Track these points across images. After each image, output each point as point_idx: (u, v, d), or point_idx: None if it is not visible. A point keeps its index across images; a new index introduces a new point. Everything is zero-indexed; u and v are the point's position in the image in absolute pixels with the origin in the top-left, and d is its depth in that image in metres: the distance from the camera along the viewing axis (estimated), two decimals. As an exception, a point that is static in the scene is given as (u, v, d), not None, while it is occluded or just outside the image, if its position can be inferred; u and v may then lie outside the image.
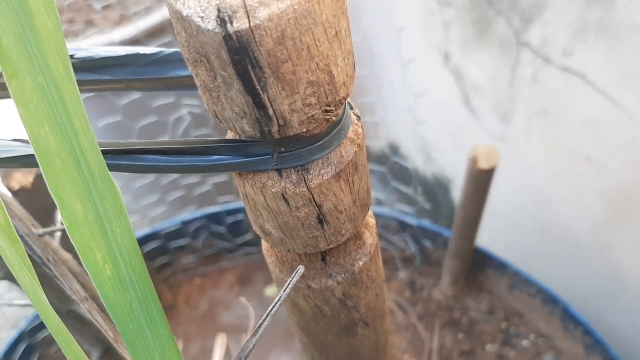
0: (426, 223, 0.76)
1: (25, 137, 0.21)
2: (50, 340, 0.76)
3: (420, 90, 0.91)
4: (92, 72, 0.20)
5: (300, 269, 0.21)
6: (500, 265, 0.74)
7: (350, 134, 0.19)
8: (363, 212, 0.21)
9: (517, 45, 0.74)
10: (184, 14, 0.14)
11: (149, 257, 0.79)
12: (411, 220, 0.76)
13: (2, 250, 0.16)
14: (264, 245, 0.23)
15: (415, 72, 0.98)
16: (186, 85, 0.18)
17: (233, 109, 0.16)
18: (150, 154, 0.18)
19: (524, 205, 0.88)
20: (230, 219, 0.78)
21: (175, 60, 0.18)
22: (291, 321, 0.26)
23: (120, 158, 0.17)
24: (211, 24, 0.14)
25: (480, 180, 0.59)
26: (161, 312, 0.20)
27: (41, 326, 0.74)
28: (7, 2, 0.14)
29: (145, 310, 0.19)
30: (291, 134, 0.16)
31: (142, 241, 0.76)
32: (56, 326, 0.18)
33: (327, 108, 0.16)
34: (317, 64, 0.15)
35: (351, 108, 0.20)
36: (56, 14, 0.15)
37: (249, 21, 0.14)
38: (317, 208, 0.19)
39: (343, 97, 0.17)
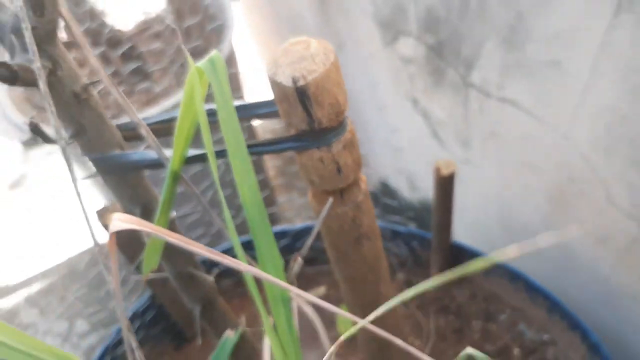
0: (413, 229, 0.96)
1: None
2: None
3: (396, 128, 1.12)
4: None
5: (330, 200, 0.42)
6: (474, 255, 0.94)
7: (348, 128, 0.40)
8: (358, 168, 0.42)
9: (464, 87, 0.95)
10: (278, 80, 0.36)
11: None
12: (401, 228, 0.96)
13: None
14: (310, 192, 0.44)
15: (392, 116, 1.20)
16: (274, 115, 0.39)
17: (297, 119, 0.37)
18: (257, 146, 0.39)
19: (490, 211, 1.08)
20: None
21: (269, 103, 0.39)
22: (326, 241, 0.46)
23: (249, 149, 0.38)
24: (289, 84, 0.35)
25: (445, 185, 0.79)
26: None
27: None
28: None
29: (262, 221, 0.40)
30: (323, 127, 0.37)
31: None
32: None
33: (338, 114, 0.37)
34: (332, 95, 0.36)
35: (346, 117, 0.41)
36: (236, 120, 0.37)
37: (305, 81, 0.35)
38: (337, 164, 0.40)
39: (344, 109, 0.38)
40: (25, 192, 1.71)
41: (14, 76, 0.34)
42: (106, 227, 0.77)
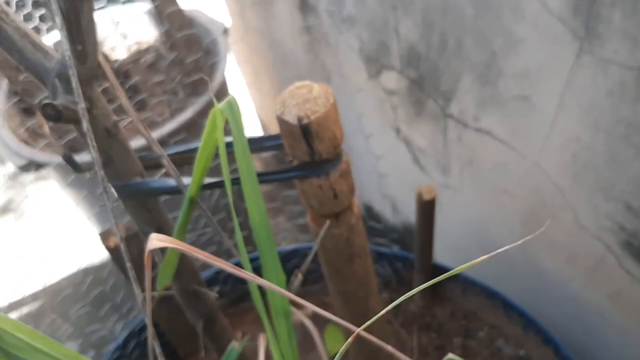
0: (396, 250, 1.02)
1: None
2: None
3: (380, 155, 1.19)
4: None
5: (327, 223, 0.48)
6: (455, 275, 1.00)
7: (343, 159, 0.46)
8: (352, 194, 0.47)
9: (444, 117, 1.01)
10: (285, 119, 0.42)
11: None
12: (386, 250, 1.02)
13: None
14: (309, 214, 0.50)
15: (377, 144, 1.27)
16: (280, 148, 0.45)
17: (300, 151, 0.43)
18: (266, 175, 0.45)
19: (469, 234, 1.14)
20: (253, 265, 1.02)
21: (275, 137, 0.45)
22: (321, 259, 0.52)
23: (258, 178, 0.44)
24: (295, 122, 0.41)
25: (427, 209, 0.85)
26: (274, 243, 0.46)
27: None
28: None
29: (269, 240, 0.45)
30: (323, 159, 0.43)
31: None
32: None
33: (335, 147, 0.43)
34: (331, 132, 0.42)
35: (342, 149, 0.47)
36: (250, 160, 0.43)
37: (308, 120, 0.41)
38: (333, 191, 0.45)
39: (341, 143, 0.44)
40: (18, 215, 1.74)
41: (58, 115, 0.40)
42: (109, 248, 0.81)
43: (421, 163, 1.15)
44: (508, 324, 0.97)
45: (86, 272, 1.35)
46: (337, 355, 0.39)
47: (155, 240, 0.34)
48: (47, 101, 0.40)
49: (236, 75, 1.88)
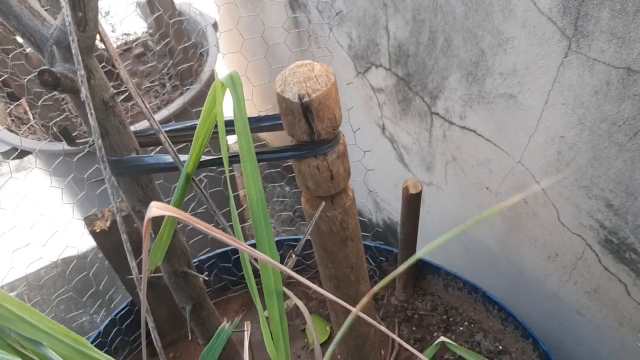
0: (380, 244, 1.03)
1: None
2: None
3: (366, 150, 1.19)
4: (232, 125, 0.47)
5: (322, 204, 0.48)
6: (436, 269, 1.01)
7: (341, 140, 0.46)
8: (348, 177, 0.48)
9: (430, 115, 1.02)
10: (285, 96, 0.42)
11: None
12: (369, 243, 1.03)
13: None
14: (304, 196, 0.50)
15: (363, 140, 1.28)
16: (278, 128, 0.45)
17: (300, 130, 0.43)
18: (264, 154, 0.45)
19: (450, 230, 1.15)
20: (235, 256, 1.03)
21: (274, 117, 0.45)
22: (315, 242, 0.52)
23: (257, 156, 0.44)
24: (295, 99, 0.42)
25: (412, 202, 0.86)
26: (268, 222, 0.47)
27: None
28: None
29: (264, 218, 0.45)
30: (322, 139, 0.44)
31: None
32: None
33: (334, 128, 0.44)
34: (331, 111, 0.43)
35: (340, 131, 0.47)
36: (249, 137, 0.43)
37: (309, 98, 0.41)
38: (330, 172, 0.46)
39: (339, 124, 0.44)
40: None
41: (56, 82, 0.40)
42: (93, 233, 0.80)
43: (405, 160, 1.16)
44: (487, 318, 0.99)
45: (68, 259, 1.32)
46: (334, 340, 0.39)
47: (155, 209, 0.34)
48: (44, 67, 0.39)
49: (224, 67, 1.88)
